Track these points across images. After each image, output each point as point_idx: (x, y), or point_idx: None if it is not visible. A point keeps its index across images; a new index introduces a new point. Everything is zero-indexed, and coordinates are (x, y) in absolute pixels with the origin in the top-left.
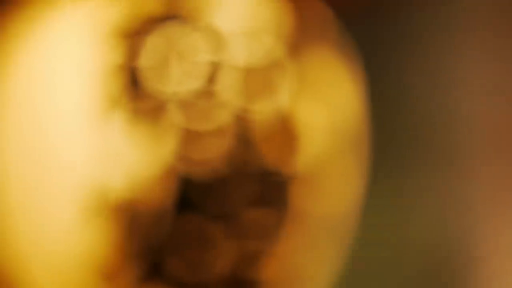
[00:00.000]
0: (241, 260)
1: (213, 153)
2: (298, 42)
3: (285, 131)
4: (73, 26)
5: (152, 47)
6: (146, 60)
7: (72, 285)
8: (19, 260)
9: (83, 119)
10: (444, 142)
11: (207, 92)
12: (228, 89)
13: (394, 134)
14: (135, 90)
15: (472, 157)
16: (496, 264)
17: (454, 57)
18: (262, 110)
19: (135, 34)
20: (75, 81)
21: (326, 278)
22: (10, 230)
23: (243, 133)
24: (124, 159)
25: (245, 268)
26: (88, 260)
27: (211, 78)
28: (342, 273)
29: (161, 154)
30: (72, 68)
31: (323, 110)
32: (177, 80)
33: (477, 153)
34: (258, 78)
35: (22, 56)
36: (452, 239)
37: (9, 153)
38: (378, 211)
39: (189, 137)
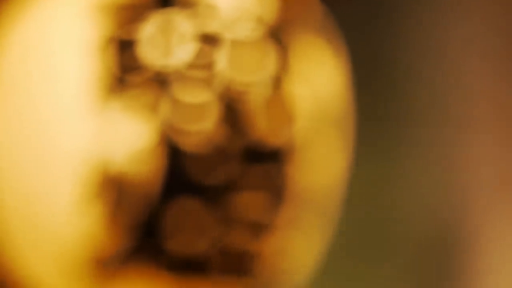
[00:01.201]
0: (233, 234)
1: (205, 125)
2: (284, 21)
3: (275, 105)
4: (69, 1)
5: (147, 21)
6: (140, 33)
7: (68, 268)
8: (15, 245)
9: (79, 94)
10: (436, 109)
11: (200, 65)
12: (220, 62)
13: (380, 107)
14: (130, 62)
15: (467, 123)
16: (490, 233)
17: (439, 29)
18: (253, 84)
19: (131, 8)
20: (71, 56)
21: (317, 249)
22: (5, 214)
23: (234, 106)
24: (119, 132)
25: (237, 242)
26: (84, 242)
27: (204, 52)
28: (331, 245)
29: (154, 125)
30: (68, 43)
31: (308, 86)
32: (171, 53)
33: (472, 119)
34: (248, 53)
35: (17, 34)
36: (444, 207)
37: (3, 133)
38: (366, 183)
39: (182, 109)
